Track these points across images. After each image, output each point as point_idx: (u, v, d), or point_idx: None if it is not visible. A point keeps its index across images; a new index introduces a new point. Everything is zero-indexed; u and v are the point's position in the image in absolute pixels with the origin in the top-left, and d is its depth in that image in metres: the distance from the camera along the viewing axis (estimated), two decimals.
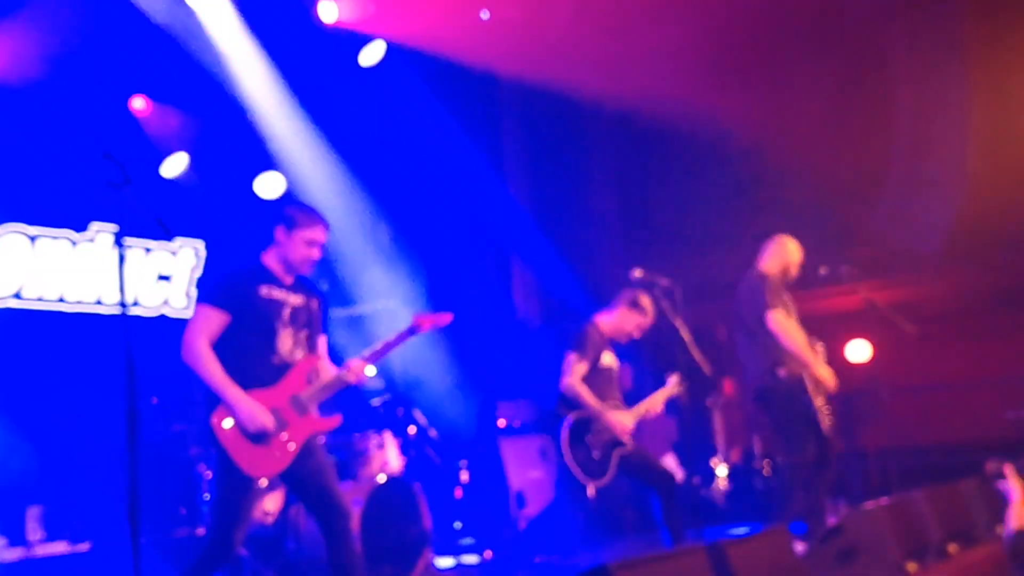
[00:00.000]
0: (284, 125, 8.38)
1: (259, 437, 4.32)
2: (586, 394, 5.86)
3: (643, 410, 6.00)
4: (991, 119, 8.54)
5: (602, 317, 6.13)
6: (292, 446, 4.41)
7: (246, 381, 4.38)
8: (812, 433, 6.00)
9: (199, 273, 8.27)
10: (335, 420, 4.63)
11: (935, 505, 5.55)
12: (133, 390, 3.30)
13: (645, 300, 6.10)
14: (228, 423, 4.29)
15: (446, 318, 4.98)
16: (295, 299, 4.61)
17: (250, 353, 4.45)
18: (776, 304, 6.06)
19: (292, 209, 4.72)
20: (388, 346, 4.78)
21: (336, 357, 4.83)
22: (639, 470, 5.92)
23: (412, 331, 4.83)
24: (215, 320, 4.42)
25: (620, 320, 6.09)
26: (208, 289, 4.70)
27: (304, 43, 8.18)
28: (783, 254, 6.40)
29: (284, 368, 4.48)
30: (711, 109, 8.85)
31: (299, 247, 4.59)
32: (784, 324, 6.00)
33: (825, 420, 6.00)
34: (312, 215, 4.68)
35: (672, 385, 6.10)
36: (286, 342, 4.52)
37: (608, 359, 6.06)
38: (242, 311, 4.47)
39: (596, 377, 5.95)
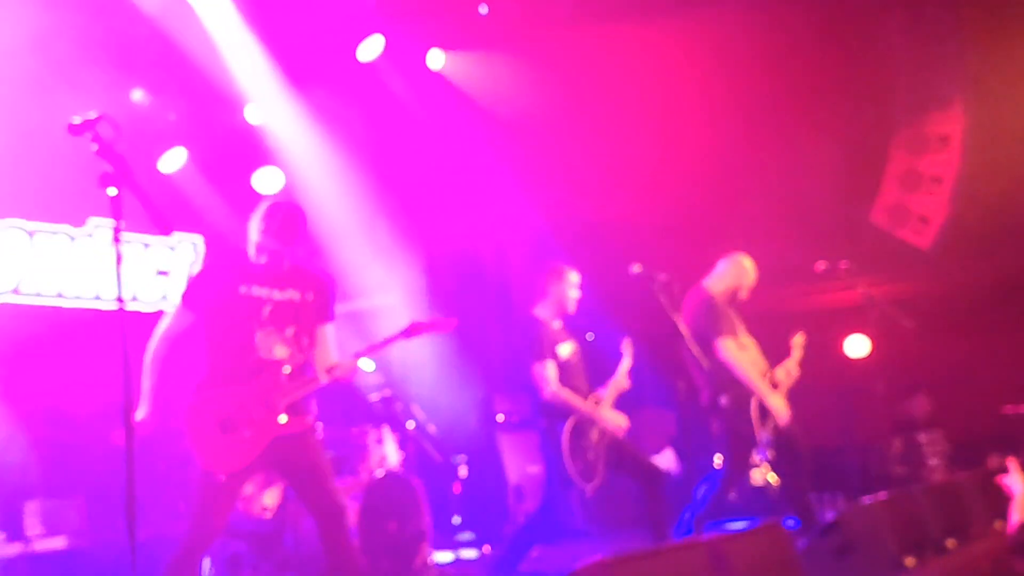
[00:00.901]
0: (282, 120, 8.38)
1: (224, 431, 4.36)
2: (572, 398, 5.80)
3: (613, 394, 5.95)
4: (988, 115, 8.52)
5: (537, 309, 6.04)
6: (256, 444, 4.41)
7: (221, 378, 4.44)
8: (747, 457, 6.02)
9: (197, 268, 8.29)
10: (303, 422, 4.58)
11: (933, 500, 5.55)
12: (130, 386, 3.30)
13: (556, 265, 6.07)
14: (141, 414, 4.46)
15: (447, 325, 4.95)
16: (282, 295, 4.60)
17: (226, 351, 4.49)
18: (724, 331, 6.06)
19: (272, 205, 4.74)
20: (376, 347, 4.77)
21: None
22: (625, 464, 5.90)
23: (408, 334, 4.82)
24: (178, 319, 4.54)
25: (554, 299, 6.00)
26: (184, 287, 4.78)
27: (302, 35, 8.16)
28: (736, 274, 6.38)
29: (261, 366, 4.48)
30: (710, 102, 8.84)
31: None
32: (734, 354, 6.03)
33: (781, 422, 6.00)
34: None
35: (626, 354, 6.06)
36: (265, 341, 4.51)
37: (565, 349, 5.96)
38: (215, 310, 4.51)
39: (561, 372, 5.86)
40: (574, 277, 6.04)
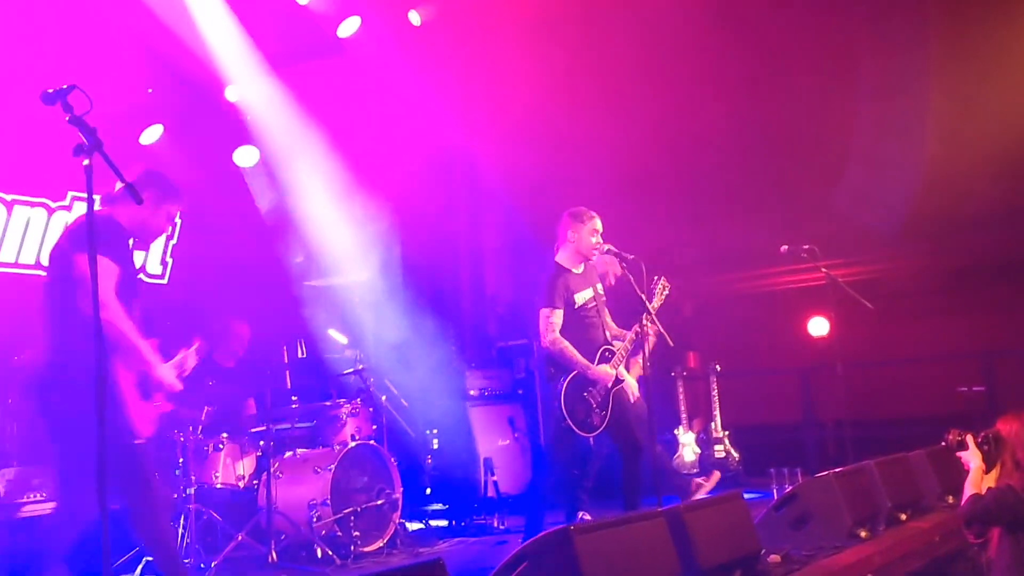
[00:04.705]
0: (260, 96, 8.42)
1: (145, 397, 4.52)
2: (568, 350, 5.77)
3: (623, 352, 5.92)
4: (951, 101, 8.68)
5: (559, 255, 6.02)
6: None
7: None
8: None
9: (174, 241, 8.35)
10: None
11: (886, 474, 5.75)
12: (102, 353, 3.32)
13: (576, 210, 5.98)
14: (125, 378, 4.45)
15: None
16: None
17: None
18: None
19: (166, 181, 4.79)
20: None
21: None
22: (617, 428, 5.91)
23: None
24: (115, 273, 4.42)
25: (574, 244, 5.95)
26: (106, 241, 4.43)
27: (280, 14, 8.20)
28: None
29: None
30: (675, 88, 8.95)
31: (161, 220, 4.76)
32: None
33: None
34: (180, 193, 4.84)
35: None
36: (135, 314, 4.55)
37: (583, 296, 5.94)
38: (127, 269, 4.55)
39: (577, 318, 5.86)
40: (595, 222, 5.96)
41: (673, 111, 8.98)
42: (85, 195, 3.45)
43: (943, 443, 4.56)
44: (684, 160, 9.25)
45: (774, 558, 4.74)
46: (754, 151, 9.33)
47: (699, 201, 8.98)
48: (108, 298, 4.24)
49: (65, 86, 3.49)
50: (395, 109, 8.99)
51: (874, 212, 8.85)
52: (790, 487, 5.52)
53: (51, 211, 7.54)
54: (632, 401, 6.10)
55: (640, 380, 6.29)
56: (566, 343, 5.80)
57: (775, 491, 5.95)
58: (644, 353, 5.81)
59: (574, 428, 5.75)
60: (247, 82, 8.27)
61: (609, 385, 5.88)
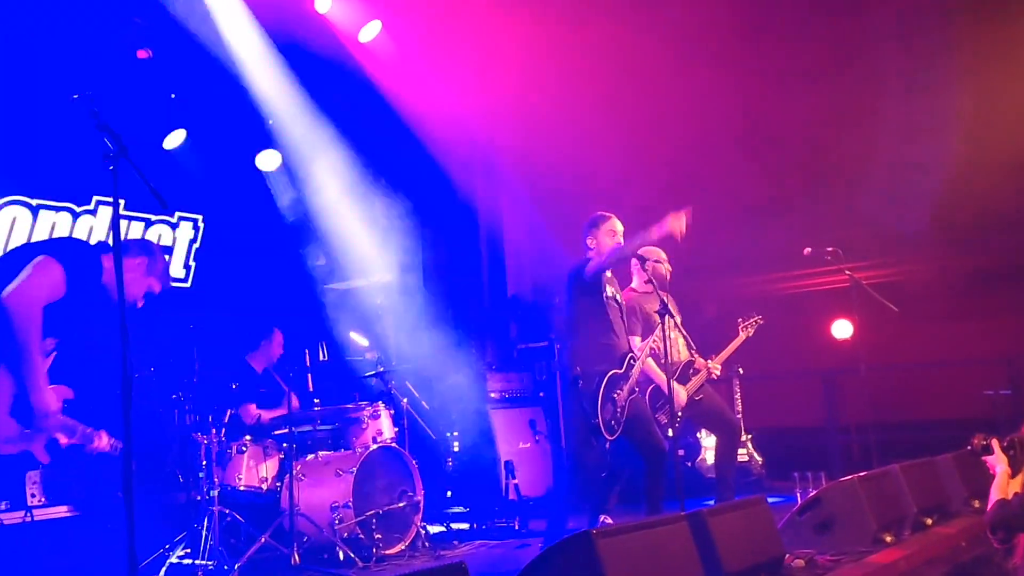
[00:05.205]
0: (282, 101, 8.47)
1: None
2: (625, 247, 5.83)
3: (647, 351, 6.08)
4: (976, 102, 8.61)
5: (588, 257, 6.03)
6: None
7: None
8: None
9: (198, 245, 8.41)
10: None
11: (911, 478, 5.71)
12: (128, 359, 3.33)
13: (595, 215, 6.06)
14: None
15: None
16: None
17: None
18: None
19: (163, 262, 4.69)
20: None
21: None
22: (638, 433, 5.91)
23: None
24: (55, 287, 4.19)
25: (596, 249, 5.98)
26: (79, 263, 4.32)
27: (301, 20, 8.26)
28: None
29: None
30: (699, 90, 8.93)
31: (140, 289, 4.53)
32: None
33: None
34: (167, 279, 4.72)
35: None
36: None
37: (610, 290, 5.98)
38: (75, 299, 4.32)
39: (602, 311, 5.88)
40: (612, 222, 6.02)
41: (696, 112, 8.96)
42: (111, 199, 3.47)
43: (968, 447, 4.51)
44: (707, 162, 9.22)
45: (798, 563, 4.72)
46: (777, 152, 9.29)
47: (722, 203, 8.94)
48: (32, 298, 4.05)
49: (91, 92, 3.51)
50: (416, 111, 9.02)
51: (898, 214, 8.79)
52: (814, 491, 5.49)
53: (76, 215, 7.61)
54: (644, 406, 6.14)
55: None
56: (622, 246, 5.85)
57: (799, 495, 5.93)
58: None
59: (601, 428, 5.74)
60: (269, 85, 8.31)
61: (627, 393, 5.90)
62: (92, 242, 7.57)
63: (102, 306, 4.33)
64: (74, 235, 7.54)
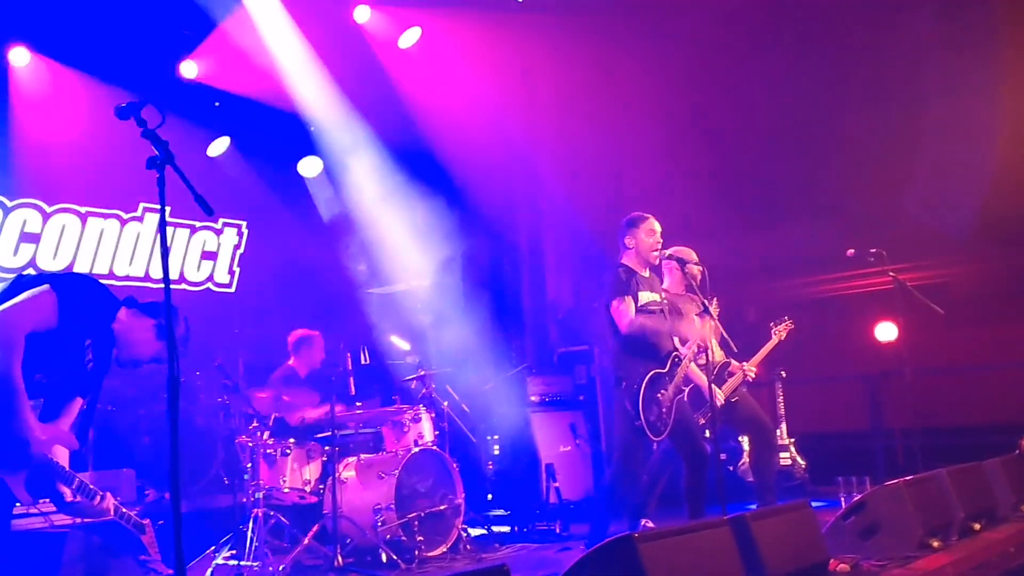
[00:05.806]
0: (323, 108, 8.55)
1: None
2: (650, 326, 5.76)
3: (690, 355, 5.98)
4: (1020, 102, 8.49)
5: (623, 259, 6.01)
6: None
7: None
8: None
9: (242, 251, 8.52)
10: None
11: (958, 483, 5.62)
12: (176, 364, 3.36)
13: (632, 216, 6.02)
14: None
15: None
16: None
17: None
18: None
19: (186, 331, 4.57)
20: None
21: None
22: (681, 436, 5.88)
23: None
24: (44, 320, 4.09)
25: (635, 248, 5.96)
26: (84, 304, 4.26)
27: (342, 28, 8.34)
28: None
29: None
30: (738, 90, 8.89)
31: (148, 350, 4.42)
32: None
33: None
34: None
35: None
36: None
37: (647, 296, 5.93)
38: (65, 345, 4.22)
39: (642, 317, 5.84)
40: (650, 222, 5.99)
41: (737, 115, 8.91)
42: (157, 206, 3.52)
43: (1016, 451, 4.45)
44: (749, 164, 9.16)
45: (842, 568, 4.67)
46: (820, 154, 9.22)
47: (765, 205, 8.89)
48: (16, 321, 3.95)
49: (138, 101, 3.56)
50: (458, 116, 9.06)
51: (942, 215, 8.68)
52: (858, 495, 5.43)
53: (123, 222, 7.75)
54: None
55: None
56: (645, 320, 5.78)
57: (843, 500, 5.87)
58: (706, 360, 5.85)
59: (645, 429, 5.72)
60: (311, 93, 8.39)
61: (673, 393, 5.85)
62: (138, 251, 7.77)
63: (99, 347, 4.30)
64: (121, 242, 7.68)
